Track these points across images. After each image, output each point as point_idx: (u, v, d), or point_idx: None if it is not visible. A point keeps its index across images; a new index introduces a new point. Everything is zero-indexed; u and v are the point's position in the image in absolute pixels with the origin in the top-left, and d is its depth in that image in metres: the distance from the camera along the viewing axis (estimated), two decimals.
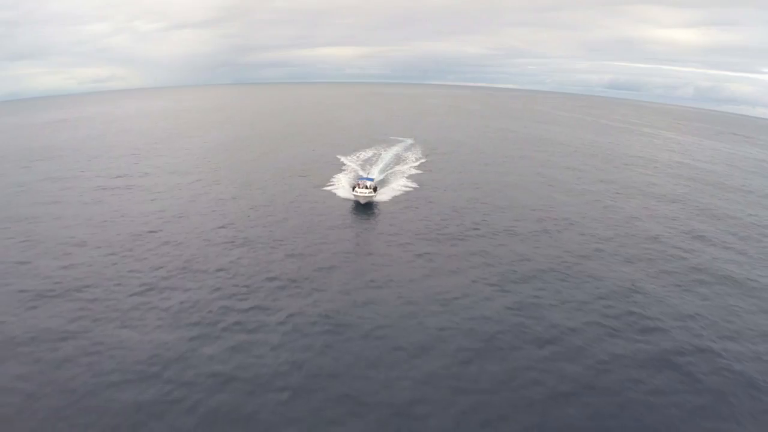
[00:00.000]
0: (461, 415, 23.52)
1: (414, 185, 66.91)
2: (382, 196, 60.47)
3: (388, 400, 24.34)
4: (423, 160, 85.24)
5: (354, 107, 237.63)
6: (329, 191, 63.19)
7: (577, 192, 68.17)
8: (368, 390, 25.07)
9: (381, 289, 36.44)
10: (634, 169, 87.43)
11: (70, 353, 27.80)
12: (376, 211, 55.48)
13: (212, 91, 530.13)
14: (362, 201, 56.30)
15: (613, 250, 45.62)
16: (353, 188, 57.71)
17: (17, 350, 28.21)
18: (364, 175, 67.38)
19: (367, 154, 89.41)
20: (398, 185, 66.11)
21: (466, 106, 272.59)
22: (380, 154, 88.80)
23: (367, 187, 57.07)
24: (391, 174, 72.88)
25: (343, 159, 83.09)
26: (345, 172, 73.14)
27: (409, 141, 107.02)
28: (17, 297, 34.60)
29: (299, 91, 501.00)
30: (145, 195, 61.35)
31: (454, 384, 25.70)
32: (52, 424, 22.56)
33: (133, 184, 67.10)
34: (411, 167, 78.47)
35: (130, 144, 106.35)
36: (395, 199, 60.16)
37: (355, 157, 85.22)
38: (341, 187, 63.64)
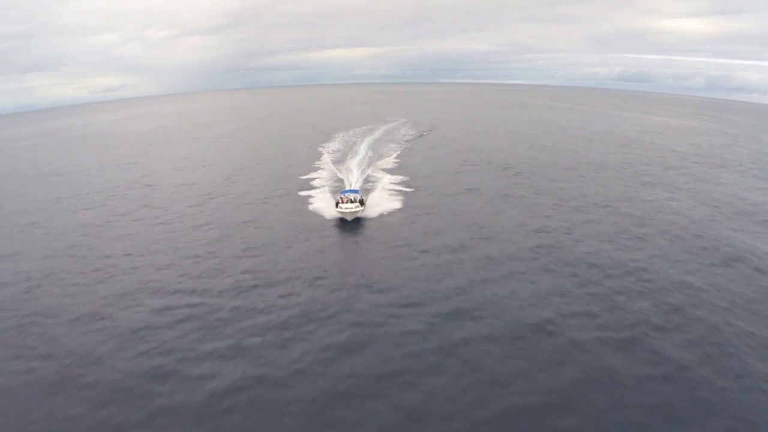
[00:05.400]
0: None
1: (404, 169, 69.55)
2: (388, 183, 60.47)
3: None
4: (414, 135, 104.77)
5: (363, 104, 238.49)
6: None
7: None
8: None
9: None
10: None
11: None
12: (367, 225, 46.61)
13: (225, 96, 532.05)
14: (349, 218, 47.02)
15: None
16: (336, 204, 48.16)
17: None
18: (348, 187, 57.48)
19: (367, 127, 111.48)
20: (387, 181, 62.81)
21: (465, 101, 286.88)
22: (377, 128, 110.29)
23: (352, 201, 47.85)
24: (382, 160, 75.47)
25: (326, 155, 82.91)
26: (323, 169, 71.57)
27: (403, 120, 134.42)
28: None
29: (309, 92, 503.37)
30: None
31: None
32: None
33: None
34: (401, 145, 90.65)
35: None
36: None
37: (349, 134, 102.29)
38: (324, 200, 54.06)
